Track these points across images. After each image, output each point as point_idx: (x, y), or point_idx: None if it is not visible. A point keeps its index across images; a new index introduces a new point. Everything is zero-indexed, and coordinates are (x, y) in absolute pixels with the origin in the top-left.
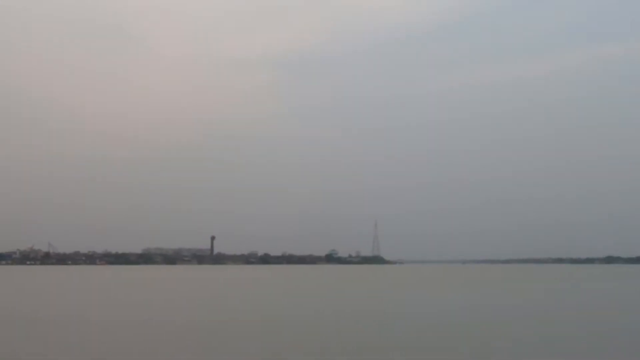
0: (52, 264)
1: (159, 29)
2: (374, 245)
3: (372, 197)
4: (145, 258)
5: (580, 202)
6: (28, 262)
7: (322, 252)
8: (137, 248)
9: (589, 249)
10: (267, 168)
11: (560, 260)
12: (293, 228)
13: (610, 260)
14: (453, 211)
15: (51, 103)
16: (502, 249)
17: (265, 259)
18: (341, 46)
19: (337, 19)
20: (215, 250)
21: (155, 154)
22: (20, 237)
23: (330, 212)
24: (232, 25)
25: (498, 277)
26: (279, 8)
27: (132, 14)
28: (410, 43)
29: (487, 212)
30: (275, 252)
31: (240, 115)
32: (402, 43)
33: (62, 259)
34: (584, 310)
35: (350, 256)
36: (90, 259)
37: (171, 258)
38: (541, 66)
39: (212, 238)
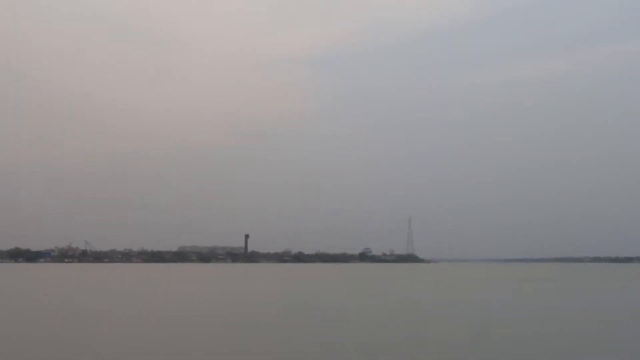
0: (89, 261)
1: (193, 28)
2: (408, 244)
3: (406, 194)
4: (180, 256)
5: (614, 200)
6: (66, 260)
7: (356, 251)
8: (172, 246)
9: (627, 247)
10: (300, 166)
11: (597, 259)
12: (326, 226)
13: None
14: (488, 208)
15: (86, 99)
16: (538, 247)
17: (299, 258)
18: (371, 42)
19: (366, 14)
20: (249, 249)
21: (190, 152)
22: (58, 235)
23: (364, 210)
24: (263, 24)
25: (548, 276)
26: (309, 6)
27: (169, 14)
28: (442, 37)
29: (522, 209)
30: (308, 250)
31: (274, 113)
32: (433, 37)
33: (99, 257)
34: None
35: (384, 254)
36: (126, 257)
37: (206, 256)
38: (584, 58)
39: (246, 237)
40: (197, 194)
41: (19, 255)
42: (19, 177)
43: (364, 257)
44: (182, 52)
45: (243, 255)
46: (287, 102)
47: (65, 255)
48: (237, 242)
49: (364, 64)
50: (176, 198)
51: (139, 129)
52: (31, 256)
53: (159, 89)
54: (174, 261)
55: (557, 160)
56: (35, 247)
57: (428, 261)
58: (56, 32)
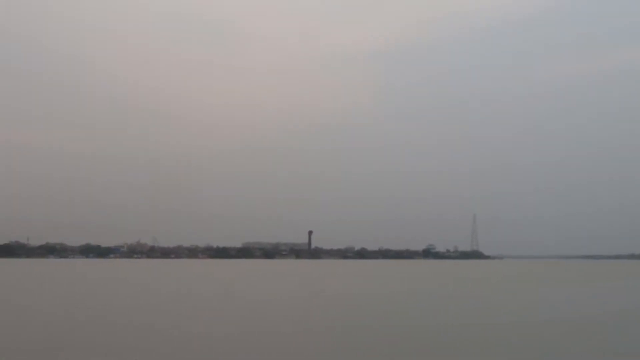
0: (157, 257)
1: (255, 23)
2: (472, 240)
3: (471, 190)
4: (245, 252)
5: None
6: (135, 256)
7: (419, 247)
8: (237, 242)
9: None
10: (363, 161)
11: None
12: (390, 222)
13: None
14: (556, 203)
15: (153, 92)
16: (609, 244)
17: (362, 254)
18: (436, 35)
19: (431, 6)
20: (313, 245)
21: (252, 146)
22: (126, 231)
23: (428, 207)
24: (326, 17)
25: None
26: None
27: (234, 8)
28: (513, 29)
29: (594, 204)
30: (371, 246)
31: (336, 107)
32: (504, 29)
33: (166, 253)
34: None
35: (448, 251)
36: (192, 252)
37: (270, 252)
38: None
39: (310, 232)
40: (261, 189)
41: (89, 251)
42: (90, 173)
43: (428, 253)
44: (245, 47)
45: (306, 252)
46: (349, 97)
47: (134, 251)
48: (301, 239)
49: (429, 58)
50: (240, 193)
51: (202, 123)
52: (102, 252)
53: (227, 83)
54: (238, 257)
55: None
56: (105, 243)
57: (493, 258)
58: (121, 24)
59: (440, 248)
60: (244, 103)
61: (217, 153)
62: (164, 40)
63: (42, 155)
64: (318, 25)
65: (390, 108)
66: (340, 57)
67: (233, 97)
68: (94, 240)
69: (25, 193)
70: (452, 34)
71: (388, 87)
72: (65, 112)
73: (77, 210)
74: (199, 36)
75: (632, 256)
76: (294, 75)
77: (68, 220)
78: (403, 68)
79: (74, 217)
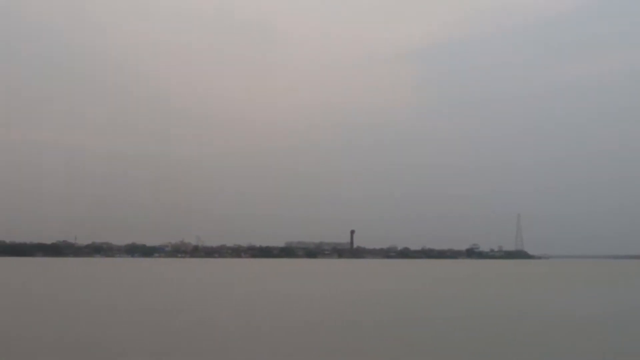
0: (201, 256)
1: (299, 24)
2: (517, 240)
3: (516, 189)
4: (287, 251)
5: None
6: (179, 255)
7: (463, 247)
8: (279, 242)
9: None
10: (406, 161)
11: None
12: (433, 222)
13: None
14: (601, 202)
15: (201, 97)
16: None
17: (405, 253)
18: (479, 32)
19: (472, 3)
20: (355, 244)
21: (296, 147)
22: (170, 230)
23: (472, 205)
24: (369, 17)
25: None
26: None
27: (277, 9)
28: (562, 23)
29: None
30: (414, 246)
31: (380, 107)
32: (554, 23)
33: (210, 252)
34: None
35: (492, 251)
36: (235, 252)
37: (312, 252)
38: None
39: (352, 232)
40: (304, 189)
41: (134, 250)
42: (135, 173)
43: (472, 253)
44: (288, 48)
45: (349, 251)
46: (393, 97)
47: (178, 251)
48: (343, 238)
49: (473, 56)
50: (282, 192)
51: (243, 122)
52: (146, 251)
53: (274, 83)
54: (280, 256)
55: None
56: (149, 242)
57: (538, 257)
58: (165, 28)
59: (484, 247)
60: (284, 101)
61: (259, 152)
62: (201, 40)
63: (89, 156)
64: (355, 24)
65: (434, 108)
66: (378, 55)
67: (273, 96)
68: (139, 239)
69: (73, 193)
70: (495, 29)
71: (431, 86)
72: (109, 113)
73: (123, 210)
74: (239, 36)
75: None
76: (334, 74)
77: (114, 219)
78: (440, 64)
79: (120, 216)
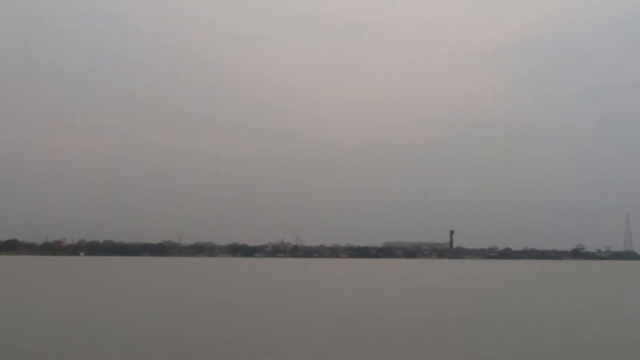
0: (300, 256)
1: (386, 24)
2: (626, 240)
3: (625, 188)
4: (386, 251)
5: None
6: (279, 255)
7: (568, 247)
8: (377, 242)
9: None
10: (507, 160)
11: None
12: (536, 221)
13: None
14: None
15: (287, 90)
16: None
17: (506, 254)
18: (581, 25)
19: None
20: (455, 245)
21: (388, 147)
22: (271, 231)
23: (577, 206)
24: (457, 17)
25: None
26: None
27: (361, 9)
28: None
29: None
30: (516, 246)
31: (478, 108)
32: None
33: (309, 252)
34: None
35: (598, 251)
36: (334, 252)
37: (411, 252)
38: None
39: (451, 232)
40: (402, 189)
41: (236, 250)
42: (235, 174)
43: (577, 254)
44: (380, 46)
45: (448, 251)
46: (491, 97)
47: (278, 250)
48: (442, 238)
49: (575, 52)
50: (381, 193)
51: (342, 121)
52: (247, 251)
53: (359, 83)
54: (378, 256)
55: None
56: (250, 242)
57: None
58: (251, 24)
59: (591, 248)
60: (382, 100)
61: (357, 150)
62: (297, 39)
63: (189, 157)
64: (449, 26)
65: (537, 106)
66: (473, 56)
67: (373, 94)
68: (240, 239)
69: (177, 193)
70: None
71: (533, 84)
72: (207, 115)
73: (225, 210)
74: (329, 34)
75: None
76: (434, 71)
77: (216, 220)
78: (538, 60)
79: (221, 217)
